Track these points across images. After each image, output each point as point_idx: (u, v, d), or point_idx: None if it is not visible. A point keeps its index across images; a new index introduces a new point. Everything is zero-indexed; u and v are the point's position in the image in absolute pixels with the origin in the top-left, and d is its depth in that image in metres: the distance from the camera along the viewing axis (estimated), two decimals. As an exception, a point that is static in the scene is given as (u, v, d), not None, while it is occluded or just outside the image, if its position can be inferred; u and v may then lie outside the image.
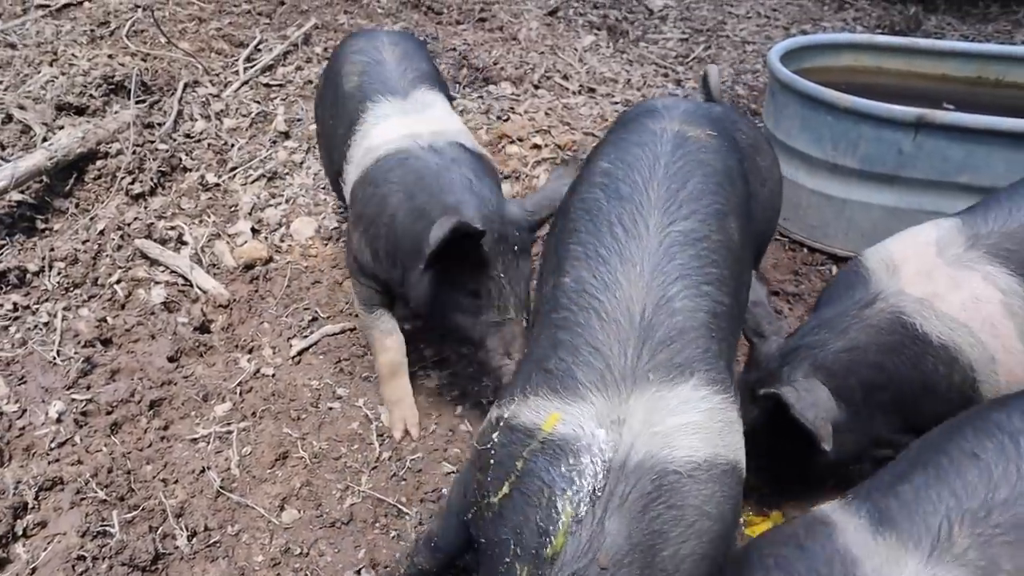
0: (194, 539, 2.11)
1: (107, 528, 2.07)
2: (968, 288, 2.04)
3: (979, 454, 1.48)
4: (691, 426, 1.37)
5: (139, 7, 4.41)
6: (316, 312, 2.94)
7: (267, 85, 4.09)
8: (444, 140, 2.37)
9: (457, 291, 2.15)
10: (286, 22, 4.67)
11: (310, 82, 4.17)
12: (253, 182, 3.53)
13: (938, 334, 2.02)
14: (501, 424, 1.46)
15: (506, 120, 4.04)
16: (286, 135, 3.82)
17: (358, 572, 2.06)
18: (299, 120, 3.92)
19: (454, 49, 4.68)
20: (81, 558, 1.98)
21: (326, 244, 3.27)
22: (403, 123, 2.47)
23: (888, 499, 1.48)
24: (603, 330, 1.44)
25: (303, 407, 2.55)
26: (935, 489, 1.45)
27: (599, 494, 1.29)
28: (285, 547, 2.11)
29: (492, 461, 1.44)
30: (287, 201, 3.47)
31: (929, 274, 2.09)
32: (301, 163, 3.69)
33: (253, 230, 3.28)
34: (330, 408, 2.55)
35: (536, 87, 4.46)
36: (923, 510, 1.42)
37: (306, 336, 2.82)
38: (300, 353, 2.76)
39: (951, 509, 1.40)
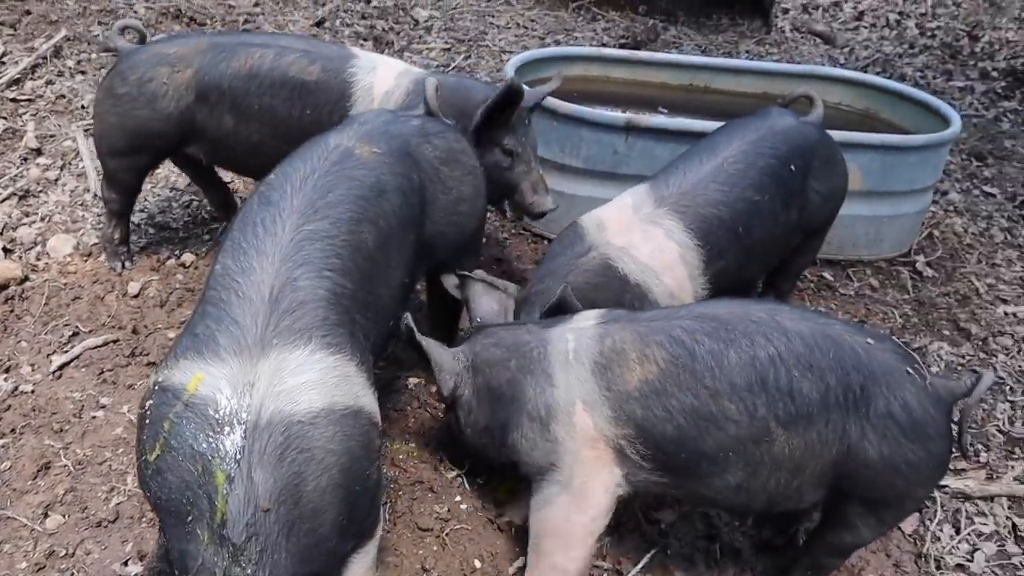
0: (-48, 555, 2.15)
1: None
2: (655, 240, 2.61)
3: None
4: (308, 383, 1.67)
5: None
6: (77, 327, 2.98)
7: (14, 100, 3.99)
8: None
9: (497, 149, 2.95)
10: (33, 33, 4.54)
11: (63, 96, 4.11)
12: (3, 201, 3.47)
13: (634, 275, 2.56)
14: (156, 387, 1.70)
15: (270, 131, 4.18)
16: (38, 151, 3.77)
17: (125, 564, 2.20)
18: (52, 136, 3.87)
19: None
20: None
21: (86, 260, 3.30)
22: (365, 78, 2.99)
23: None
24: (240, 305, 1.73)
25: (65, 419, 2.61)
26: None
27: (241, 453, 1.56)
28: (50, 551, 2.20)
29: (147, 422, 1.67)
30: (42, 219, 3.45)
31: (628, 228, 2.63)
32: (56, 180, 3.66)
33: (5, 250, 3.24)
34: (93, 417, 2.63)
35: (301, 97, 4.62)
36: (608, 312, 2.23)
37: (66, 351, 2.86)
38: (61, 368, 2.81)
39: (618, 316, 2.18)
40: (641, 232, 2.63)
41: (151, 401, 1.68)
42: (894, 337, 2.29)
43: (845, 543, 2.21)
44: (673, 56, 4.54)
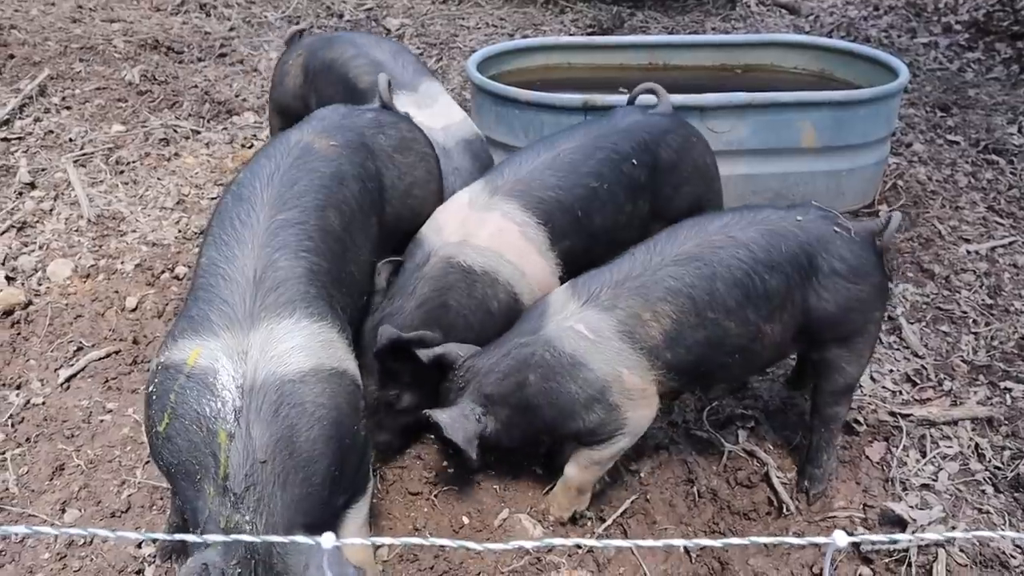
0: (-21, 550, 2.34)
1: None
2: (492, 224, 2.58)
3: (635, 253, 2.44)
4: (296, 347, 1.86)
5: None
6: (81, 342, 3.17)
7: (5, 139, 4.19)
8: (452, 139, 3.16)
9: None
10: (18, 75, 4.75)
11: (51, 132, 4.31)
12: (2, 233, 3.67)
13: (479, 264, 2.55)
14: (159, 367, 1.89)
15: (250, 147, 4.38)
16: (32, 185, 3.96)
17: (139, 546, 2.38)
18: (44, 170, 4.07)
19: (196, 86, 4.95)
20: None
21: (85, 281, 3.49)
22: (420, 116, 3.03)
23: (584, 277, 2.44)
24: (227, 287, 1.93)
25: (76, 425, 2.80)
26: (604, 273, 2.41)
27: (240, 413, 1.74)
28: (69, 541, 2.39)
29: (154, 398, 1.86)
30: (40, 247, 3.64)
31: (463, 222, 2.60)
32: (51, 210, 3.86)
33: (8, 278, 3.43)
34: (101, 420, 2.81)
35: (279, 112, 4.82)
36: (593, 282, 2.39)
37: (72, 365, 3.05)
38: (68, 380, 2.99)
39: (606, 281, 2.37)
40: (476, 221, 2.60)
41: (156, 380, 1.87)
42: (812, 202, 2.56)
43: (839, 385, 2.58)
44: (629, 37, 4.71)
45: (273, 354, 1.83)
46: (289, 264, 2.01)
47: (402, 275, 2.61)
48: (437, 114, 3.24)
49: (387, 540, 1.09)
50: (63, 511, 2.49)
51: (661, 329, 2.33)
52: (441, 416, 2.35)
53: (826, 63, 4.49)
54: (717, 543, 1.10)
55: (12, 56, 4.94)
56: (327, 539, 0.96)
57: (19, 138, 4.24)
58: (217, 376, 1.79)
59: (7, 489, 2.54)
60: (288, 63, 3.73)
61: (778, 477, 2.77)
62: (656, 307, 2.32)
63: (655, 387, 2.41)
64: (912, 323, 3.44)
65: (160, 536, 2.02)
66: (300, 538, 1.03)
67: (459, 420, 2.36)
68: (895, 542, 2.46)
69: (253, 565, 1.68)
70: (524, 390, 2.37)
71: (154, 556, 2.36)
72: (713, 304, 2.34)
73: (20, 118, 4.38)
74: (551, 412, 2.37)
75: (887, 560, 2.49)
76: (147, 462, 2.67)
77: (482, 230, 2.59)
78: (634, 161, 2.81)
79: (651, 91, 3.17)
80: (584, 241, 2.73)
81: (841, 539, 0.99)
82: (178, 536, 1.31)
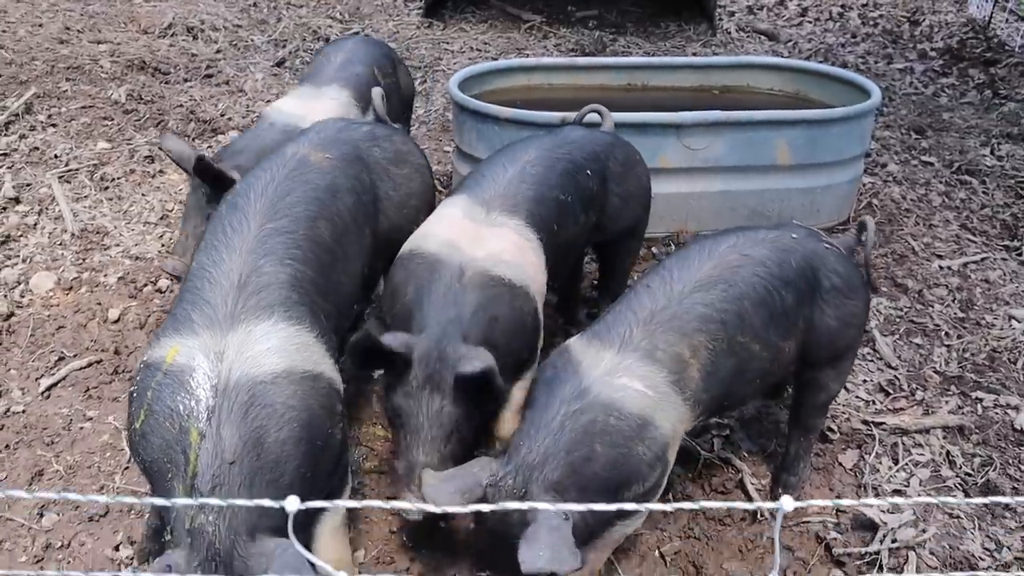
0: (-45, 555, 2.34)
1: None
2: (509, 239, 2.51)
3: (650, 285, 2.29)
4: (271, 349, 1.90)
5: None
6: (62, 352, 3.19)
7: (-9, 155, 4.23)
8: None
9: None
10: (4, 94, 4.79)
11: (37, 149, 4.35)
12: (-14, 247, 3.69)
13: (517, 278, 2.45)
14: (142, 365, 1.93)
15: (235, 163, 4.42)
16: (16, 200, 3.99)
17: (116, 548, 2.39)
18: (28, 185, 4.10)
19: (181, 106, 5.01)
20: None
21: (67, 293, 3.51)
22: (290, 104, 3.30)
23: (599, 324, 2.27)
24: (211, 290, 1.98)
25: (56, 432, 2.81)
26: (623, 313, 2.23)
27: (212, 412, 1.77)
28: (47, 544, 2.39)
29: (134, 395, 1.89)
30: (24, 260, 3.66)
31: (475, 237, 2.48)
32: (35, 224, 3.88)
33: (-10, 291, 3.45)
34: (81, 427, 2.83)
35: (264, 131, 4.87)
36: (616, 325, 2.20)
37: (53, 374, 3.07)
38: (49, 389, 3.01)
39: (631, 321, 2.19)
40: (492, 236, 2.49)
41: (137, 377, 1.91)
42: (795, 221, 2.60)
43: (822, 400, 2.63)
44: (610, 59, 4.80)
45: (248, 355, 1.87)
46: (273, 270, 2.06)
47: (432, 289, 2.36)
48: (309, 107, 3.24)
49: (352, 503, 1.13)
50: (41, 515, 2.50)
51: (699, 366, 2.18)
52: (541, 556, 1.82)
53: (801, 84, 4.59)
54: (668, 507, 1.13)
55: (-1, 75, 4.99)
56: (291, 503, 0.99)
57: (4, 154, 4.28)
58: (193, 374, 1.82)
59: (-15, 494, 2.54)
60: None
61: (752, 484, 2.81)
62: (693, 339, 2.17)
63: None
64: (885, 335, 3.51)
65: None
66: (266, 502, 1.06)
67: (555, 543, 1.84)
68: (864, 523, 2.50)
69: (215, 567, 1.71)
70: (591, 465, 2.02)
71: (131, 558, 2.37)
72: (743, 327, 2.24)
73: (5, 135, 4.42)
74: (615, 481, 2.07)
75: (859, 563, 2.53)
76: (126, 468, 2.68)
77: (503, 244, 2.49)
78: (588, 171, 2.86)
79: (596, 111, 3.28)
80: (553, 256, 2.69)
81: (788, 504, 1.03)
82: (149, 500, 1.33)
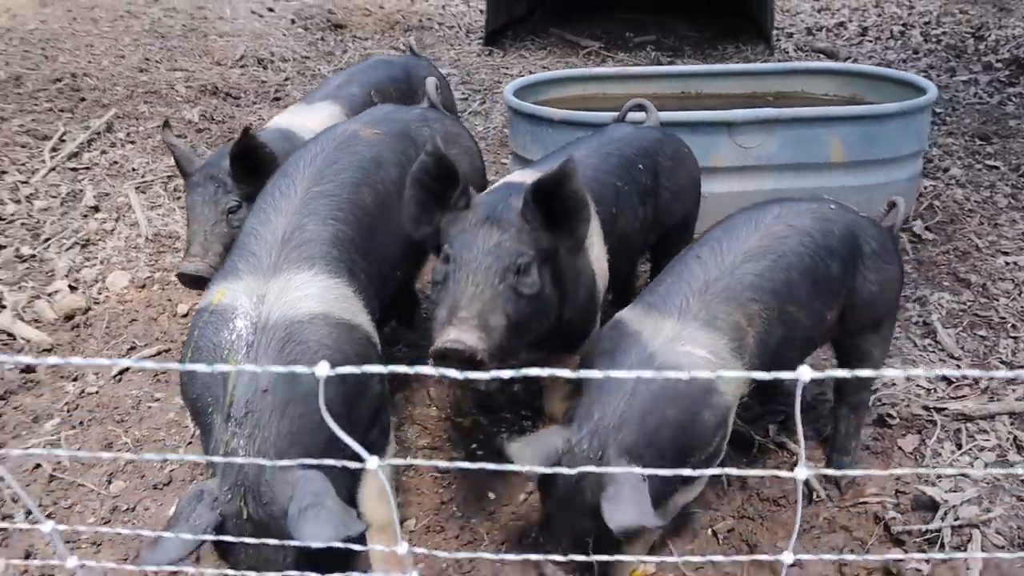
0: (31, 515, 2.46)
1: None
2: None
3: (700, 256, 2.28)
4: (310, 295, 1.99)
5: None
6: (134, 342, 3.35)
7: (74, 169, 4.49)
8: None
9: None
10: (88, 115, 5.11)
11: (116, 163, 4.61)
12: (68, 250, 3.91)
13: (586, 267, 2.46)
14: (195, 311, 2.05)
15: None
16: (96, 208, 4.23)
17: (178, 513, 2.48)
18: (107, 195, 4.34)
19: (250, 125, 5.23)
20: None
21: (140, 290, 3.69)
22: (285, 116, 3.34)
23: (652, 295, 2.25)
24: (257, 244, 2.09)
25: (126, 411, 2.94)
26: (676, 283, 2.22)
27: (251, 347, 1.87)
28: (113, 507, 2.50)
29: (186, 338, 2.00)
30: (101, 262, 3.87)
31: None
32: (112, 230, 4.10)
33: (71, 287, 3.65)
34: (149, 407, 2.96)
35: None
36: (672, 295, 2.19)
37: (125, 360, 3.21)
38: (120, 373, 3.15)
39: (686, 291, 2.18)
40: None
41: (191, 323, 2.01)
42: (825, 196, 2.61)
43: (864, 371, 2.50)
44: (663, 68, 4.87)
45: (287, 299, 1.97)
46: (316, 228, 2.16)
47: None
48: (297, 119, 3.29)
49: (420, 462, 1.17)
50: (110, 482, 2.61)
51: (754, 333, 2.18)
52: (628, 512, 1.85)
53: (856, 88, 4.57)
54: (696, 472, 1.15)
55: (84, 99, 5.32)
56: (321, 368, 1.04)
57: (87, 168, 4.54)
58: (235, 313, 1.93)
59: (60, 463, 2.67)
60: None
61: (808, 466, 2.76)
62: (748, 308, 2.17)
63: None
64: (947, 328, 3.42)
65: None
66: (300, 368, 1.10)
67: (639, 500, 1.89)
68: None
69: (243, 492, 1.77)
70: (663, 430, 2.03)
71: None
72: (792, 296, 2.24)
73: (88, 151, 4.70)
74: (685, 445, 2.08)
75: (919, 540, 2.45)
76: (189, 443, 2.79)
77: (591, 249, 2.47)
78: (639, 166, 2.86)
79: (640, 107, 3.30)
80: (615, 245, 2.68)
81: (806, 374, 1.04)
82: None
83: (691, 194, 3.17)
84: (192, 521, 1.77)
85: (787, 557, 1.31)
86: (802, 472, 1.16)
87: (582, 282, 2.42)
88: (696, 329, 2.12)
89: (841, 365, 2.66)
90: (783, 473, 1.21)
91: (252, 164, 2.72)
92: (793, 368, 2.45)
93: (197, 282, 2.68)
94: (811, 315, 2.31)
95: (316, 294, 2.00)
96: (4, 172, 4.30)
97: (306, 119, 3.26)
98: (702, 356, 2.09)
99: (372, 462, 1.09)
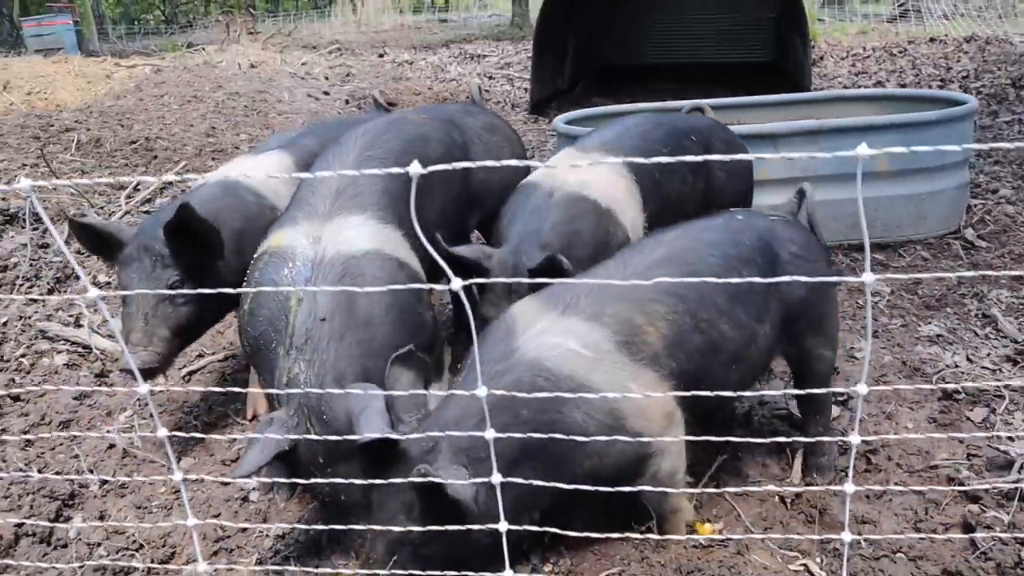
0: (105, 484, 2.53)
1: (28, 476, 2.48)
2: (605, 174, 2.70)
3: (606, 265, 2.18)
4: (362, 235, 2.14)
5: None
6: (202, 351, 3.47)
7: (147, 212, 4.74)
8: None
9: None
10: (160, 169, 5.42)
11: (185, 207, 4.86)
12: (139, 278, 4.09)
13: (604, 202, 2.65)
14: (254, 257, 2.17)
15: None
16: (166, 244, 4.45)
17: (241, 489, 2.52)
18: (177, 233, 4.57)
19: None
20: (6, 497, 2.39)
21: (207, 310, 3.84)
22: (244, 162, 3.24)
23: (551, 290, 2.10)
24: (314, 196, 2.26)
25: (193, 404, 3.04)
26: (575, 284, 2.09)
27: (309, 282, 1.99)
28: (183, 480, 2.55)
29: (245, 282, 2.13)
30: (171, 288, 4.04)
31: (577, 170, 2.67)
32: (181, 263, 4.30)
33: (143, 308, 3.81)
34: (215, 399, 3.04)
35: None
36: (566, 292, 2.05)
37: (193, 365, 3.33)
38: (189, 375, 3.26)
39: (581, 290, 2.04)
40: (588, 170, 2.68)
41: (251, 267, 2.13)
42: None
43: (821, 371, 2.46)
44: (703, 100, 4.99)
45: (342, 238, 2.11)
46: (369, 182, 2.33)
47: (522, 210, 2.60)
48: (241, 165, 3.10)
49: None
50: (179, 459, 2.68)
51: (660, 335, 2.02)
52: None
53: (896, 111, 4.65)
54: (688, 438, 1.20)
55: (156, 157, 5.65)
56: (414, 167, 1.15)
57: (158, 211, 4.79)
58: (294, 252, 2.07)
59: (133, 443, 2.76)
60: None
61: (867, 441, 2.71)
62: (647, 308, 2.03)
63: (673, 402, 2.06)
64: (1007, 317, 3.38)
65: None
66: (393, 168, 1.20)
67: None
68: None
69: (307, 413, 1.90)
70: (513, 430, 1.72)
71: (254, 489, 2.50)
72: (704, 304, 2.09)
73: (160, 197, 4.97)
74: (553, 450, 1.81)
75: (996, 496, 2.38)
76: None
77: (598, 177, 2.69)
78: (692, 137, 3.04)
79: (698, 109, 3.52)
80: (656, 209, 2.85)
81: (869, 277, 1.11)
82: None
83: (745, 179, 3.29)
84: (264, 440, 1.85)
85: (862, 388, 1.34)
86: (869, 276, 1.21)
87: (602, 252, 2.52)
88: (576, 323, 1.98)
89: (795, 374, 2.52)
90: (851, 279, 1.25)
91: (190, 238, 2.38)
92: (729, 387, 2.19)
93: (146, 374, 2.39)
94: (737, 327, 2.15)
95: (368, 234, 2.14)
96: (84, 216, 4.56)
97: (248, 164, 3.03)
98: (570, 348, 1.94)
99: (456, 283, 1.21)
